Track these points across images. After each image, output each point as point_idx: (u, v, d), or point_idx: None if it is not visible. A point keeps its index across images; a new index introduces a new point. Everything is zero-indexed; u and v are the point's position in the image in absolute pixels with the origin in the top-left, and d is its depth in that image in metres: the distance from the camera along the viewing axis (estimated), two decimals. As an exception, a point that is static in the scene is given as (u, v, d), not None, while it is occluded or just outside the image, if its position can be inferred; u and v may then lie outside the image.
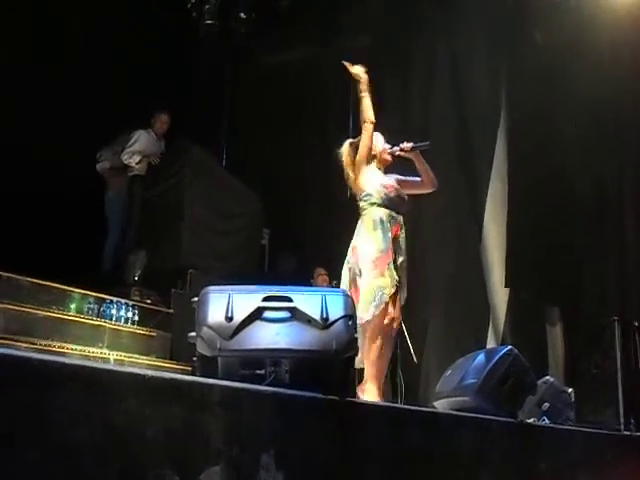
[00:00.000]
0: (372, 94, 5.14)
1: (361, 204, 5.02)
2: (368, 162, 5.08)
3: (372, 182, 5.02)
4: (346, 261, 4.92)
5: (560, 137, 8.23)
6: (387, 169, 5.27)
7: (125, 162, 8.30)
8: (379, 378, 4.78)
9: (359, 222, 5.00)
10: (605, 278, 7.94)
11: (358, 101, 5.14)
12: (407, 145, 5.16)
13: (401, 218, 5.01)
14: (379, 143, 5.22)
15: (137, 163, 8.32)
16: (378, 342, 4.67)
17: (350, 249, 4.93)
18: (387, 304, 4.68)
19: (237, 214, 8.99)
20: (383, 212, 4.92)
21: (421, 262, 8.44)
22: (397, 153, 5.19)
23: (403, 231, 4.98)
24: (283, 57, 9.73)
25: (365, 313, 4.59)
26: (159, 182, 8.36)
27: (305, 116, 9.39)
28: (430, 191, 5.29)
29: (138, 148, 8.36)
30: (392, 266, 4.76)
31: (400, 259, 4.91)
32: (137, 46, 8.27)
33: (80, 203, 7.76)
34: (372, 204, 4.96)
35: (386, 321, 4.71)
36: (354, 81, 5.15)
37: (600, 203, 8.15)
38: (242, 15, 8.67)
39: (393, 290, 4.68)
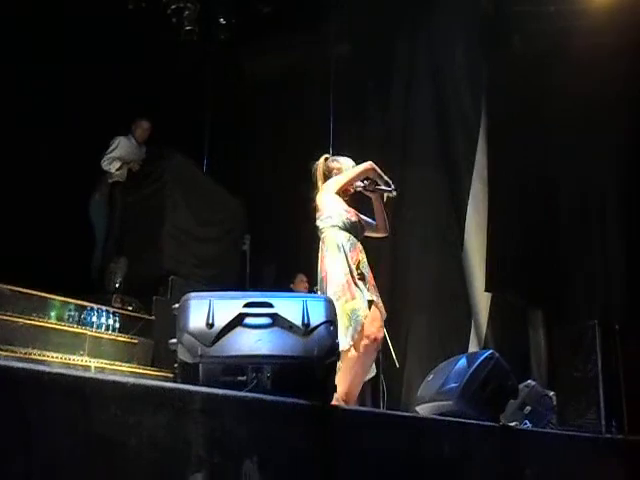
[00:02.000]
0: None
1: (320, 225, 4.99)
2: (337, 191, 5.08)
3: (333, 205, 4.99)
4: (318, 288, 4.92)
5: (541, 140, 8.28)
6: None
7: (104, 168, 8.27)
8: (351, 400, 4.74)
9: (320, 245, 4.96)
10: (587, 281, 7.99)
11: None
12: (371, 186, 5.13)
13: (359, 244, 4.97)
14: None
15: (117, 170, 8.30)
16: (353, 373, 4.62)
17: (319, 277, 4.90)
18: (363, 325, 4.64)
19: (218, 220, 8.98)
20: (343, 235, 4.89)
21: (403, 267, 8.48)
22: (359, 189, 5.15)
23: (364, 255, 4.94)
24: (265, 64, 9.73)
25: (344, 339, 4.49)
26: (140, 189, 8.34)
27: (286, 123, 9.40)
28: (381, 236, 5.27)
29: (118, 154, 8.33)
30: (360, 286, 4.75)
31: (367, 283, 4.88)
32: (118, 52, 8.24)
33: (61, 210, 7.72)
34: (332, 226, 4.92)
35: (366, 342, 4.66)
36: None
37: (582, 206, 8.21)
38: (222, 21, 8.67)
39: (366, 312, 4.65)
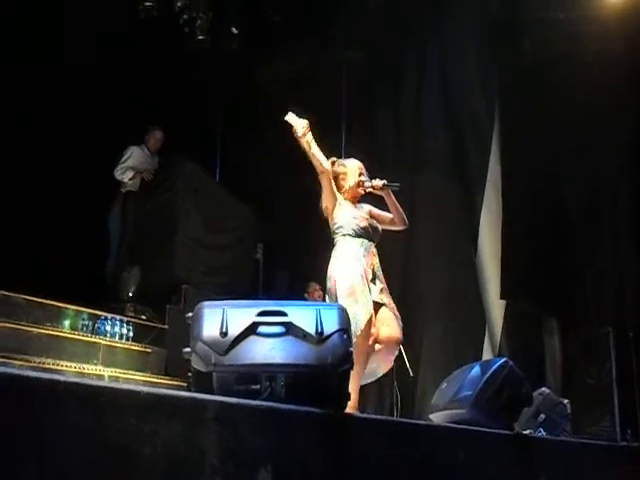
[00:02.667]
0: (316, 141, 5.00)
1: (334, 236, 5.07)
2: (335, 201, 5.10)
3: (343, 214, 5.06)
4: (327, 290, 4.95)
5: (554, 147, 8.26)
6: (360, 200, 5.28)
7: (117, 178, 8.31)
8: (354, 399, 4.74)
9: (333, 251, 5.02)
10: (601, 289, 7.95)
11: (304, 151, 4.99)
12: (378, 183, 5.15)
13: (374, 247, 5.04)
14: (351, 177, 5.21)
15: (130, 179, 8.33)
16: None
17: (327, 279, 4.95)
18: (363, 329, 4.65)
19: (231, 229, 8.99)
20: (355, 242, 4.96)
21: (416, 274, 8.47)
22: (368, 190, 5.19)
23: (377, 259, 5.01)
24: (276, 71, 9.74)
25: None
26: (153, 198, 8.36)
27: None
28: (401, 229, 5.30)
29: (131, 164, 8.37)
30: (367, 293, 4.77)
31: (380, 286, 4.92)
32: (130, 62, 8.28)
33: (74, 220, 7.75)
34: (344, 235, 5.00)
35: (369, 342, 4.69)
36: (292, 134, 5.05)
37: (595, 212, 8.16)
38: (234, 30, 8.68)
39: (368, 317, 4.66)
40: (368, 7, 8.83)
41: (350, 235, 4.98)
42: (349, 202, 5.15)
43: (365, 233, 5.01)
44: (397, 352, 5.00)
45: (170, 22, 8.24)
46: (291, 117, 4.96)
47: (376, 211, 5.24)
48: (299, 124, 4.94)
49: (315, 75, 9.30)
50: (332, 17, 9.10)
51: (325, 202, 5.11)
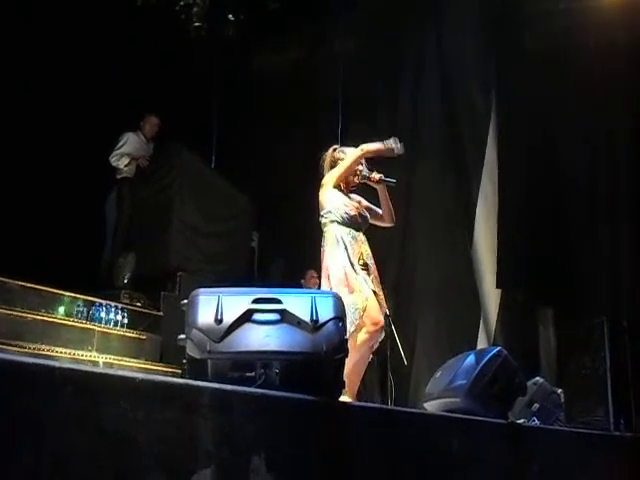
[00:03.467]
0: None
1: (322, 220, 5.11)
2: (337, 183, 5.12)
3: (333, 200, 5.09)
4: (322, 281, 4.98)
5: (551, 138, 8.27)
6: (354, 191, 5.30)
7: (113, 164, 8.29)
8: (352, 389, 4.77)
9: (322, 240, 5.08)
10: (596, 278, 7.96)
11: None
12: (375, 176, 5.18)
13: (362, 235, 5.06)
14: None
15: (125, 165, 8.32)
16: (353, 358, 4.65)
17: (322, 270, 4.99)
18: (361, 318, 4.67)
19: (226, 216, 8.99)
20: (342, 230, 4.99)
21: (412, 263, 8.48)
22: (363, 180, 5.21)
23: (366, 246, 5.03)
24: (273, 60, 9.73)
25: None
26: (148, 185, 8.35)
27: (294, 118, 9.39)
28: (388, 225, 5.34)
29: (126, 150, 8.35)
30: (361, 280, 4.81)
31: (371, 274, 4.94)
32: (126, 48, 8.25)
33: (69, 206, 7.74)
34: (332, 222, 5.04)
35: (372, 328, 4.70)
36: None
37: (592, 204, 8.17)
38: (230, 17, 8.66)
39: (365, 304, 4.68)
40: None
41: (338, 222, 5.02)
42: (342, 190, 5.18)
43: (354, 222, 5.05)
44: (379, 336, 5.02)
45: (167, 9, 8.21)
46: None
47: (366, 204, 5.27)
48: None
49: (312, 65, 9.28)
50: (331, 7, 9.08)
51: (337, 180, 5.11)
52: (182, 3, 8.24)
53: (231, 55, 9.44)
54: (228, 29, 8.76)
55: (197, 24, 8.37)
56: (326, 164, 5.26)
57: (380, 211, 5.25)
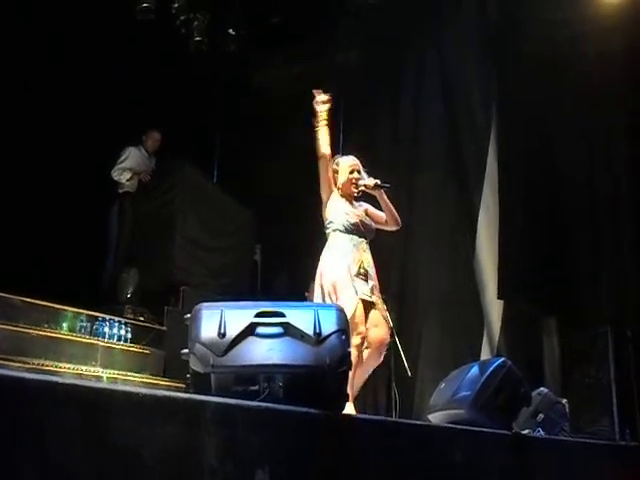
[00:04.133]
0: (330, 127, 5.19)
1: (326, 231, 5.14)
2: (330, 192, 5.16)
3: (334, 210, 5.13)
4: (316, 284, 4.99)
5: (551, 147, 8.27)
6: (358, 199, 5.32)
7: (115, 179, 8.29)
8: (353, 395, 4.76)
9: (325, 247, 5.09)
10: (599, 288, 7.95)
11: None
12: (369, 182, 5.20)
13: (364, 244, 5.07)
14: (342, 174, 5.26)
15: (127, 180, 8.32)
16: None
17: (317, 274, 4.99)
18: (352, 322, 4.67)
19: (229, 231, 8.99)
20: (344, 237, 5.02)
21: (415, 273, 8.47)
22: (361, 188, 5.23)
23: (368, 255, 5.04)
24: (274, 73, 9.74)
25: None
26: (150, 199, 8.35)
27: (296, 132, 9.39)
28: (394, 229, 5.35)
29: (128, 165, 8.36)
30: (351, 288, 4.80)
31: (372, 283, 4.95)
32: (128, 63, 8.27)
33: (72, 221, 7.74)
34: (334, 230, 5.08)
35: (358, 340, 4.68)
36: (312, 110, 5.17)
37: (594, 214, 8.16)
38: (231, 32, 8.68)
39: (352, 312, 4.65)
40: (367, 9, 8.82)
41: (340, 230, 5.05)
42: (344, 199, 5.21)
43: (355, 229, 5.06)
44: (385, 351, 5.02)
45: (167, 23, 8.24)
46: (319, 94, 5.24)
47: (372, 210, 5.29)
48: (321, 98, 5.21)
49: (313, 79, 9.29)
50: (332, 21, 9.10)
51: (321, 191, 5.18)
52: (182, 18, 8.26)
53: (232, 70, 9.46)
54: (229, 44, 8.78)
55: (198, 39, 8.39)
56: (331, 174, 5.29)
57: (384, 215, 5.26)
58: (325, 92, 5.28)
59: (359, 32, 9.12)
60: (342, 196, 5.21)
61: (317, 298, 4.93)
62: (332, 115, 5.29)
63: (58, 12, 7.61)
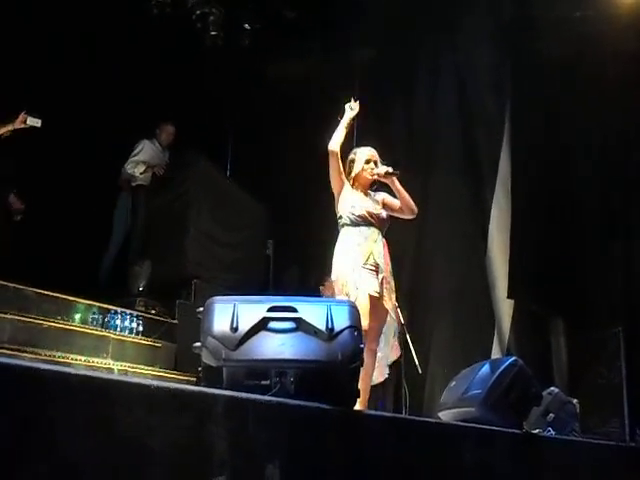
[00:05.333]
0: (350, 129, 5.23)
1: (339, 227, 5.18)
2: (340, 188, 5.18)
3: (342, 204, 5.17)
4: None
5: (565, 147, 8.24)
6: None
7: (129, 172, 8.31)
8: (365, 391, 4.75)
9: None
10: (610, 288, 7.91)
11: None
12: (380, 171, 5.21)
13: (376, 234, 5.06)
14: (358, 163, 5.27)
15: (141, 173, 8.33)
16: None
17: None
18: None
19: (242, 225, 8.99)
20: (352, 231, 5.05)
21: (426, 271, 8.46)
22: (375, 177, 5.23)
23: (379, 246, 5.03)
24: (288, 68, 9.73)
25: None
26: (164, 193, 8.36)
27: (310, 127, 9.39)
28: (410, 217, 5.34)
29: (142, 158, 8.37)
30: (350, 285, 4.81)
31: (380, 276, 4.94)
32: (143, 57, 8.29)
33: (86, 213, 7.77)
34: (343, 225, 5.12)
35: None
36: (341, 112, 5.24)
37: (606, 214, 8.13)
38: (247, 27, 8.68)
39: None
40: (382, 6, 8.80)
41: (347, 224, 5.09)
42: (357, 190, 5.23)
43: (363, 221, 5.07)
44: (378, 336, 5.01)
45: (183, 18, 8.25)
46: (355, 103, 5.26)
47: (389, 199, 5.28)
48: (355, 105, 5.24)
49: (328, 73, 9.28)
50: (346, 16, 9.08)
51: (332, 187, 5.20)
52: (198, 12, 8.27)
53: (247, 64, 9.46)
54: (244, 38, 8.78)
55: (213, 33, 8.39)
56: (347, 167, 5.32)
57: (399, 203, 5.25)
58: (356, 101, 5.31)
59: (374, 28, 9.09)
60: (356, 187, 5.23)
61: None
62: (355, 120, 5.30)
63: (77, 5, 7.63)
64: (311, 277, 8.72)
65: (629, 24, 7.78)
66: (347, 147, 5.35)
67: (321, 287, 8.19)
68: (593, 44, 7.97)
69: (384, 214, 5.19)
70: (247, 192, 9.01)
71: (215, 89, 9.37)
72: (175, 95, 8.55)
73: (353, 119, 5.25)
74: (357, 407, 4.56)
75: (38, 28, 7.47)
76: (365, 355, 4.74)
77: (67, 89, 7.61)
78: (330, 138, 5.15)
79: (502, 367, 4.49)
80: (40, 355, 5.66)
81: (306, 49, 9.49)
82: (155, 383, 2.17)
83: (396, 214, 5.28)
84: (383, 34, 9.18)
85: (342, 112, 5.25)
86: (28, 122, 6.62)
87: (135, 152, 8.37)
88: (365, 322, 4.66)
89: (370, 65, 9.35)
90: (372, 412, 4.13)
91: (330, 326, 2.89)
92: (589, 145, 8.19)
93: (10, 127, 6.63)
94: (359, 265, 4.87)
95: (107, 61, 8.04)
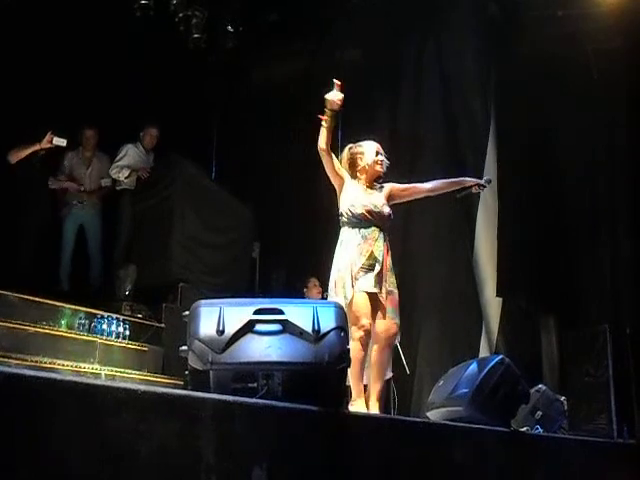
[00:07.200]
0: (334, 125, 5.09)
1: (340, 225, 5.07)
2: (341, 183, 5.09)
3: (342, 202, 5.04)
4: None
5: (551, 145, 8.27)
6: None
7: (113, 176, 8.29)
8: (376, 392, 4.73)
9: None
10: (598, 285, 7.95)
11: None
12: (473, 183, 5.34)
13: (376, 232, 4.94)
14: (368, 154, 5.17)
15: (126, 177, 8.30)
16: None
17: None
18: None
19: (227, 227, 8.96)
20: (351, 233, 4.93)
21: (413, 270, 8.45)
22: (378, 168, 5.18)
23: (379, 244, 4.91)
24: (272, 70, 9.73)
25: None
26: (149, 196, 8.33)
27: (294, 129, 9.39)
28: (430, 194, 5.38)
29: (127, 162, 8.34)
30: (348, 284, 4.73)
31: (374, 272, 4.87)
32: (126, 60, 8.27)
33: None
34: (342, 224, 5.00)
35: (360, 333, 4.65)
36: (325, 105, 5.07)
37: (592, 210, 8.16)
38: (229, 29, 8.67)
39: (346, 305, 4.58)
40: (366, 7, 8.80)
41: (346, 224, 4.96)
42: (360, 183, 5.10)
43: (362, 220, 4.93)
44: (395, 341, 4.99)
45: (166, 20, 8.22)
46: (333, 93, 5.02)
47: (399, 187, 5.20)
48: (335, 96, 5.00)
49: (312, 75, 9.28)
50: (329, 17, 9.09)
51: (333, 182, 5.09)
52: (181, 15, 8.24)
53: (231, 66, 9.45)
54: (227, 40, 8.77)
55: (196, 35, 8.37)
56: (343, 164, 5.17)
57: (420, 185, 5.29)
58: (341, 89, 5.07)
59: (358, 28, 9.10)
60: (360, 180, 5.10)
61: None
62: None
63: (56, 9, 7.60)
64: (297, 279, 8.70)
65: (612, 23, 7.83)
66: (332, 147, 5.30)
67: (305, 289, 8.19)
68: (576, 42, 8.01)
69: (386, 210, 5.03)
70: (232, 194, 8.98)
71: (199, 91, 9.35)
72: (159, 98, 8.53)
73: (336, 112, 5.09)
74: (373, 402, 4.57)
75: (20, 31, 7.43)
76: (375, 353, 4.76)
77: (50, 92, 7.58)
78: (317, 139, 5.06)
79: (489, 366, 4.50)
80: (26, 361, 5.63)
81: (290, 51, 9.49)
82: (142, 387, 2.16)
83: (415, 196, 5.28)
84: (367, 35, 9.19)
85: (322, 111, 5.13)
86: (54, 142, 6.90)
87: (119, 157, 8.33)
88: (366, 322, 4.67)
89: (354, 66, 9.35)
90: (359, 412, 4.12)
91: (316, 328, 2.89)
92: (575, 144, 8.22)
93: (37, 147, 6.93)
94: (358, 266, 4.81)
95: (90, 63, 8.01)
